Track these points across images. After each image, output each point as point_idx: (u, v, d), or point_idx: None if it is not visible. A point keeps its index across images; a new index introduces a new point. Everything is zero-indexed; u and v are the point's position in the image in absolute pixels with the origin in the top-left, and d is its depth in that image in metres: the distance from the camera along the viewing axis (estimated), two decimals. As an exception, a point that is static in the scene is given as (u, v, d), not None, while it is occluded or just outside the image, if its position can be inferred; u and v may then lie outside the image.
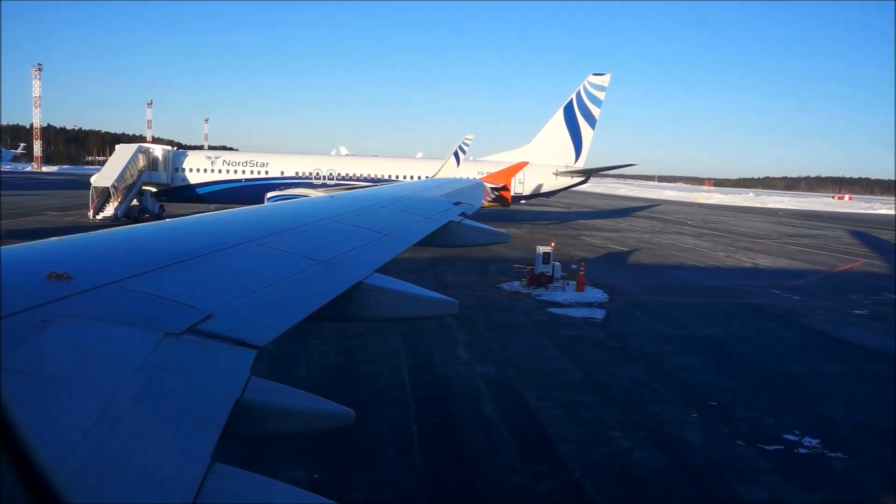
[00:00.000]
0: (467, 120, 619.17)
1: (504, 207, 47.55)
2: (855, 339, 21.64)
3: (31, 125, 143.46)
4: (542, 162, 52.76)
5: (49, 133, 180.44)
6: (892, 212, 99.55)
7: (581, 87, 54.87)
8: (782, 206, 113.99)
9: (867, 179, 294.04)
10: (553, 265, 27.30)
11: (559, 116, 55.32)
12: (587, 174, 57.73)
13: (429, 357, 17.39)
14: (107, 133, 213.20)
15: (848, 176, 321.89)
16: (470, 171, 46.43)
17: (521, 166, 46.56)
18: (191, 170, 47.60)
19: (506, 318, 22.18)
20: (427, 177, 43.72)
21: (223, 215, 5.91)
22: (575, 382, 15.94)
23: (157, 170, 46.23)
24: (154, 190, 46.36)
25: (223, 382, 2.50)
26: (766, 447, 12.64)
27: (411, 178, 47.85)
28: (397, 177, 49.44)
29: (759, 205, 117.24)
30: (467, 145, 48.82)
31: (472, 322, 20.97)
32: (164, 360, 2.44)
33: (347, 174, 50.17)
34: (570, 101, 54.98)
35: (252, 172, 48.61)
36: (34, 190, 70.79)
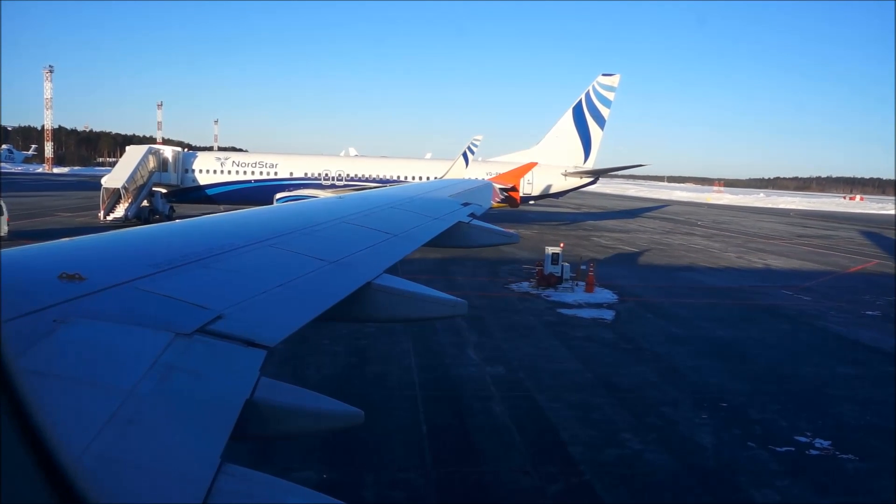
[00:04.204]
0: (476, 120, 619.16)
1: (513, 208, 47.55)
2: (868, 341, 21.46)
3: (43, 126, 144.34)
4: (551, 162, 52.69)
5: (60, 134, 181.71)
6: None
7: (590, 88, 54.75)
8: (793, 207, 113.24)
9: (879, 179, 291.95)
10: (562, 266, 27.22)
11: (568, 117, 55.22)
12: (596, 175, 57.61)
13: (439, 357, 17.38)
14: (118, 134, 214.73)
15: (860, 176, 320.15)
16: (479, 171, 46.43)
17: (530, 167, 46.52)
18: (201, 171, 47.83)
19: (515, 319, 22.14)
20: (436, 177, 43.71)
21: (233, 216, 5.93)
22: (585, 383, 15.89)
23: (167, 171, 46.51)
24: (164, 191, 46.63)
25: (233, 382, 2.51)
26: (778, 449, 12.56)
27: (420, 178, 47.87)
28: (406, 177, 49.48)
29: (770, 205, 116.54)
30: (476, 146, 48.85)
31: (482, 323, 20.94)
32: (175, 361, 2.44)
33: (356, 175, 50.26)
34: (580, 102, 54.88)
35: (261, 173, 48.79)
36: (46, 191, 71.29)
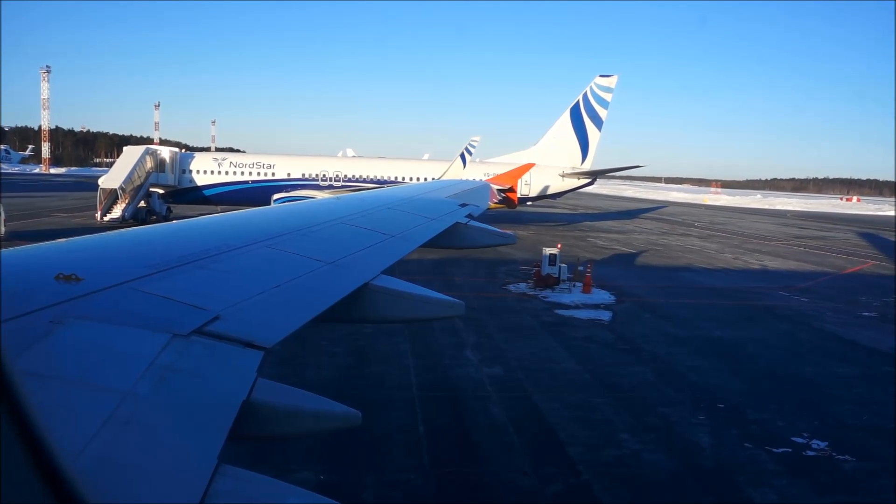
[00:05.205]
0: (474, 121, 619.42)
1: (510, 209, 47.59)
2: (865, 341, 21.50)
3: (40, 127, 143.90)
4: (548, 163, 52.75)
5: (57, 135, 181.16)
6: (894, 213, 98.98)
7: (588, 89, 54.82)
8: (790, 208, 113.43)
9: (875, 181, 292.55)
10: (559, 267, 27.25)
11: (566, 118, 55.29)
12: (593, 175, 57.70)
13: (437, 358, 17.38)
14: (115, 135, 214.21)
15: (856, 177, 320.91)
16: (476, 172, 46.49)
17: (527, 168, 46.60)
18: (198, 171, 47.77)
19: (513, 320, 22.14)
20: (433, 178, 43.73)
21: (230, 217, 5.93)
22: (583, 384, 15.90)
23: (164, 171, 46.43)
24: (161, 192, 46.55)
25: (230, 383, 2.50)
26: (775, 449, 12.57)
27: (418, 179, 47.87)
28: (404, 178, 49.49)
29: (766, 206, 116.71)
30: (474, 146, 48.87)
31: (480, 323, 20.94)
32: (172, 362, 2.44)
33: (354, 176, 50.26)
34: (577, 103, 54.95)
35: (259, 174, 48.77)
36: (42, 192, 71.15)
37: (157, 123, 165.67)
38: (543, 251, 27.85)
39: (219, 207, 43.89)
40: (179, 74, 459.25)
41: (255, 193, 46.54)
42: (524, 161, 49.51)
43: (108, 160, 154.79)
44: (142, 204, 44.74)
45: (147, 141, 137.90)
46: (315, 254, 4.60)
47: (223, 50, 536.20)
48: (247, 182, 48.41)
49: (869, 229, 71.52)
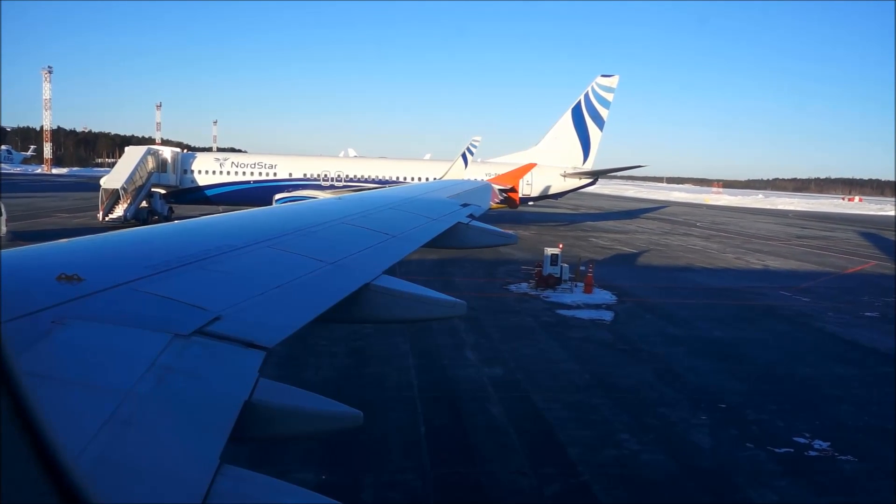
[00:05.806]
0: (475, 121, 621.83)
1: (512, 209, 47.57)
2: (866, 342, 21.47)
3: (42, 127, 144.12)
4: (550, 163, 52.75)
5: (59, 135, 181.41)
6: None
7: (589, 89, 54.82)
8: (792, 208, 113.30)
9: (877, 181, 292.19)
10: (561, 267, 27.24)
11: (567, 118, 55.29)
12: (595, 175, 57.69)
13: (437, 358, 17.38)
14: (116, 135, 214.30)
15: (858, 177, 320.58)
16: (478, 172, 46.49)
17: (528, 168, 46.60)
18: (199, 172, 47.80)
19: (514, 320, 22.14)
20: (435, 178, 43.72)
21: (232, 217, 5.93)
22: (583, 384, 15.89)
23: (166, 172, 46.46)
24: (163, 192, 46.59)
25: (232, 384, 2.50)
26: (776, 450, 12.56)
27: (419, 179, 47.87)
28: (405, 178, 49.48)
29: (768, 206, 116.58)
30: (475, 147, 48.85)
31: (481, 324, 20.94)
32: (173, 362, 2.44)
33: (355, 176, 50.27)
34: (579, 103, 54.95)
35: (260, 174, 48.79)
36: (44, 192, 71.21)
37: (158, 124, 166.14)
38: (545, 251, 27.86)
39: (220, 208, 43.91)
40: (181, 75, 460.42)
41: (257, 193, 46.56)
42: (525, 161, 49.52)
43: (109, 160, 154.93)
44: (143, 204, 44.77)
45: (149, 141, 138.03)
46: (316, 254, 4.60)
47: (224, 50, 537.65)
48: (248, 182, 48.43)
49: (871, 229, 71.42)
